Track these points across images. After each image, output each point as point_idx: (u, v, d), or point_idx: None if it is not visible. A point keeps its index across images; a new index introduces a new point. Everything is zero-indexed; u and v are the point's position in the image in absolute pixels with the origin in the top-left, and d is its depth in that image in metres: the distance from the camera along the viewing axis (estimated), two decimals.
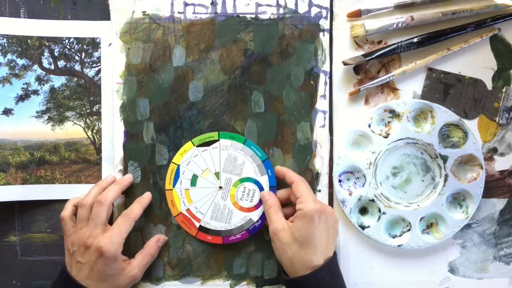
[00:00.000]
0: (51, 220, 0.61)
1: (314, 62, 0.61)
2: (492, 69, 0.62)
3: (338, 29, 0.61)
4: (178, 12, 0.61)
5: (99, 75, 0.60)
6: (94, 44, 0.60)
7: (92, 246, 0.53)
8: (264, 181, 0.60)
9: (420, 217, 0.61)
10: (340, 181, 0.61)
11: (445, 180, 0.61)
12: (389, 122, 0.62)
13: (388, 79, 0.61)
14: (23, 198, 0.60)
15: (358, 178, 0.62)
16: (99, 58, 0.60)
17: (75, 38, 0.60)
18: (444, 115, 0.60)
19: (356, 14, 0.60)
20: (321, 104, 0.62)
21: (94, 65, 0.60)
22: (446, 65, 0.62)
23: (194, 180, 0.60)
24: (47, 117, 0.60)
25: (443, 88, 0.62)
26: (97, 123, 0.60)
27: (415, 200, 0.62)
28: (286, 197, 0.59)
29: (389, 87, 0.62)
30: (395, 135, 0.61)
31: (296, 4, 0.61)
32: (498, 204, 0.63)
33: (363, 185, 0.61)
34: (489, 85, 0.62)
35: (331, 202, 0.62)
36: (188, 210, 0.60)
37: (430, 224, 0.62)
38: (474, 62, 0.61)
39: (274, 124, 0.61)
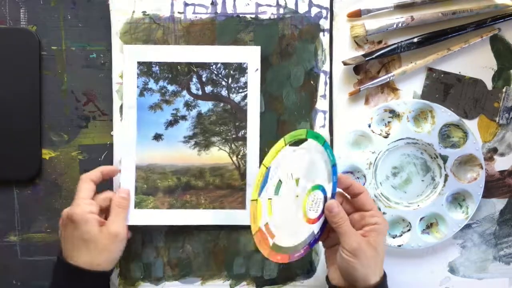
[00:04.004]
0: (51, 220, 0.61)
1: (314, 62, 0.61)
2: (492, 69, 0.62)
3: (338, 29, 0.61)
4: (178, 12, 0.61)
5: (245, 101, 0.60)
6: (241, 69, 0.60)
7: (64, 217, 0.54)
8: (329, 188, 0.53)
9: (420, 217, 0.61)
10: None
11: (445, 180, 0.61)
12: (389, 122, 0.62)
13: (388, 79, 0.61)
14: (169, 222, 0.60)
15: (358, 178, 0.62)
16: (245, 83, 0.60)
17: (222, 63, 0.60)
18: (444, 115, 0.60)
19: (356, 14, 0.60)
20: (321, 104, 0.62)
21: (241, 90, 0.60)
22: (446, 65, 0.62)
23: (278, 187, 0.51)
24: (194, 142, 0.60)
25: (443, 88, 0.62)
26: (242, 148, 0.60)
27: (415, 200, 0.62)
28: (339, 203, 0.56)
29: (389, 87, 0.62)
30: (395, 135, 0.61)
31: (296, 4, 0.61)
32: (498, 204, 0.63)
33: (363, 185, 0.61)
34: (489, 85, 0.62)
35: None
36: (266, 225, 0.50)
37: (430, 224, 0.62)
38: (474, 62, 0.61)
39: (274, 124, 0.61)
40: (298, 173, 0.51)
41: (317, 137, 0.52)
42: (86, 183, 0.55)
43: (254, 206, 0.49)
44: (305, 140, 0.51)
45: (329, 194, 0.53)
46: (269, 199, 0.50)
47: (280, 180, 0.50)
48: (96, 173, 0.56)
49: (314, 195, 0.52)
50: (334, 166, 0.53)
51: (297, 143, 0.51)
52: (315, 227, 0.53)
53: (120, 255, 0.55)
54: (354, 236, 0.51)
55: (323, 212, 0.53)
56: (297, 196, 0.51)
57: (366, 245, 0.51)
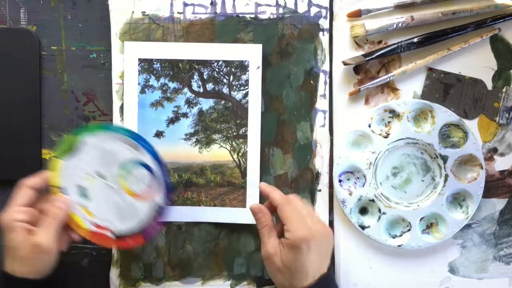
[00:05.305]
0: None
1: (313, 61, 0.61)
2: (492, 69, 0.61)
3: (338, 29, 0.61)
4: (178, 12, 0.61)
5: (246, 98, 0.60)
6: (242, 67, 0.60)
7: None
8: (147, 158, 0.54)
9: (420, 217, 0.61)
10: (340, 181, 0.61)
11: (445, 180, 0.61)
12: (389, 122, 0.62)
13: (388, 79, 0.61)
14: (171, 219, 0.60)
15: (358, 178, 0.62)
16: (247, 81, 0.60)
17: (223, 61, 0.60)
18: (444, 115, 0.60)
19: (356, 14, 0.60)
20: (321, 103, 0.62)
21: (242, 88, 0.60)
22: (446, 65, 0.62)
23: (82, 193, 0.54)
24: (195, 139, 0.60)
25: (443, 88, 0.62)
26: (243, 146, 0.60)
27: (415, 200, 0.62)
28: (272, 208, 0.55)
29: (389, 87, 0.62)
30: (395, 135, 0.61)
31: (295, 4, 0.61)
32: (498, 204, 0.63)
33: (363, 185, 0.61)
34: (489, 85, 0.62)
35: (331, 202, 0.62)
36: (95, 224, 0.55)
37: (430, 224, 0.62)
38: (474, 62, 0.61)
39: (274, 123, 0.61)
40: (95, 170, 0.54)
41: (85, 130, 0.54)
42: (22, 189, 0.53)
43: (70, 218, 0.54)
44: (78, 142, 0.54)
45: (151, 164, 0.54)
46: (81, 206, 0.54)
47: (79, 187, 0.54)
48: (36, 180, 0.53)
49: (130, 172, 0.54)
50: (128, 134, 0.54)
51: (71, 150, 0.54)
52: (157, 198, 0.54)
53: (50, 267, 0.52)
54: (267, 246, 0.52)
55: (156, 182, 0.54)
56: (113, 185, 0.54)
57: (274, 257, 0.51)
